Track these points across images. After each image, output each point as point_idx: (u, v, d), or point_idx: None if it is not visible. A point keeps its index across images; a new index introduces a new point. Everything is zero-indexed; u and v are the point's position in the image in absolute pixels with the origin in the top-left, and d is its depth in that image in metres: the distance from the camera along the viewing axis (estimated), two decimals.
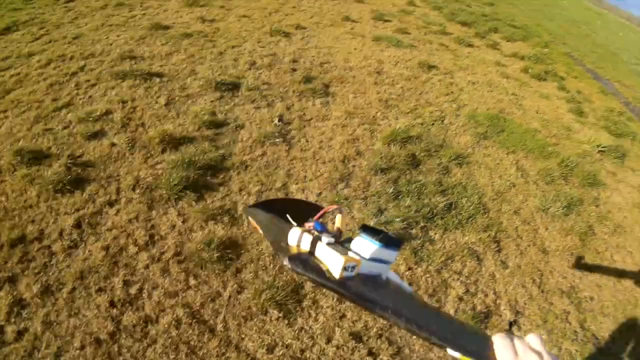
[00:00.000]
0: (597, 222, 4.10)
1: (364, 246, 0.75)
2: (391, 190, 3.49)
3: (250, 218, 0.98)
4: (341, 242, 0.79)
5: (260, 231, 0.91)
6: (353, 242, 0.77)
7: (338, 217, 0.85)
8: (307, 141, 3.92)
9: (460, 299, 2.86)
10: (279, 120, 4.06)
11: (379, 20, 8.32)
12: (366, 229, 0.77)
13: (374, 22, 8.12)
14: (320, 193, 3.29)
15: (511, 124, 5.43)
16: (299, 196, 3.20)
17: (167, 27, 5.99)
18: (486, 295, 2.95)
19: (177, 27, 6.08)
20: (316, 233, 0.78)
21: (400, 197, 3.45)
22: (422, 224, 3.27)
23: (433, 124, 4.80)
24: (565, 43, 12.70)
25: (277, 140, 3.81)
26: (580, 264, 3.55)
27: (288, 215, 0.89)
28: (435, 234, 3.26)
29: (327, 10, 8.24)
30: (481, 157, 4.50)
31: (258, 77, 4.88)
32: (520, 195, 4.09)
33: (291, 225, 0.83)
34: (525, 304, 3.02)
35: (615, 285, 3.46)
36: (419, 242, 3.14)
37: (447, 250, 3.17)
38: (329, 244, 0.75)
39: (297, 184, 3.36)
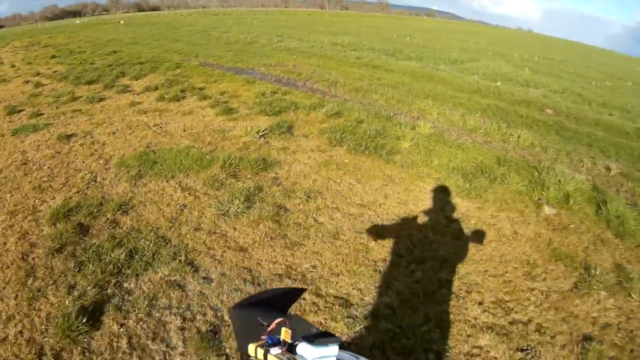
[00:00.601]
0: (285, 198, 4.21)
1: (307, 350, 0.95)
2: (72, 264, 3.38)
3: (232, 322, 1.22)
4: (289, 350, 0.99)
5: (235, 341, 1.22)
6: (298, 348, 0.97)
7: (282, 330, 1.04)
8: None
9: (183, 329, 2.77)
10: None
11: (12, 114, 7.91)
12: (308, 337, 0.97)
13: (10, 118, 7.69)
14: (16, 296, 3.09)
15: (162, 153, 5.30)
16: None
17: None
18: (205, 315, 2.89)
19: None
20: (267, 346, 0.99)
21: (82, 266, 3.36)
22: (113, 281, 3.20)
23: (88, 187, 4.68)
24: (197, 55, 13.24)
25: None
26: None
27: (259, 318, 1.10)
28: (130, 283, 3.20)
29: None
30: (143, 196, 4.41)
31: None
32: (195, 212, 4.05)
33: (261, 329, 1.06)
34: None
35: (334, 242, 3.55)
36: (119, 297, 3.05)
37: (147, 292, 3.10)
38: (277, 355, 0.96)
39: None
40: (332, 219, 3.87)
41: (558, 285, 3.20)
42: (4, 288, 3.25)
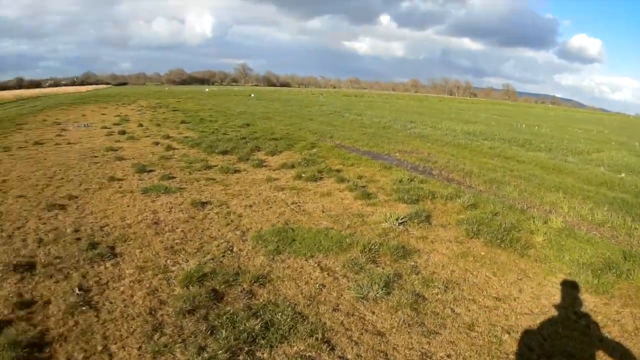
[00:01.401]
0: (424, 287, 4.23)
1: None
2: (204, 327, 3.51)
3: None
4: None
5: None
6: None
7: None
8: (111, 303, 3.91)
9: None
10: (79, 290, 4.14)
11: (142, 172, 8.45)
12: None
13: (139, 176, 8.23)
14: (140, 347, 3.28)
15: (300, 232, 5.36)
16: (121, 354, 3.25)
17: None
18: None
19: None
20: None
21: (215, 331, 3.46)
22: (246, 349, 3.29)
23: (223, 256, 4.82)
24: (332, 136, 13.63)
25: (84, 308, 3.83)
26: None
27: None
28: (263, 353, 3.27)
29: (92, 175, 8.29)
30: (281, 271, 4.50)
31: (49, 253, 4.83)
32: (334, 293, 4.11)
33: None
34: None
35: (469, 333, 3.57)
36: None
37: None
38: None
39: (115, 343, 3.35)
40: (469, 310, 3.92)
41: None
42: (127, 337, 3.45)
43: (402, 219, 5.69)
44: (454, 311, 3.86)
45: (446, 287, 4.25)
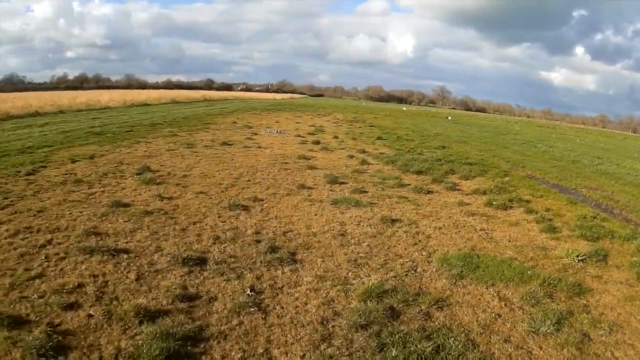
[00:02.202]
0: (591, 327, 4.24)
1: None
2: (375, 344, 3.59)
3: None
4: None
5: None
6: None
7: None
8: (282, 308, 4.06)
9: None
10: (251, 291, 4.26)
11: (334, 183, 8.87)
12: None
13: (330, 186, 8.63)
14: (303, 355, 3.38)
15: (485, 259, 5.60)
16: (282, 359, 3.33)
17: (127, 205, 6.43)
18: None
19: (137, 204, 6.52)
20: None
21: (385, 349, 3.54)
22: None
23: (406, 275, 4.97)
24: (524, 166, 13.71)
25: (252, 309, 3.96)
26: None
27: None
28: None
29: (281, 181, 8.80)
30: (461, 296, 4.62)
31: (224, 251, 5.11)
32: (508, 324, 4.18)
33: None
34: None
35: None
36: None
37: None
38: None
39: (279, 348, 3.46)
40: (626, 355, 3.85)
41: None
42: (292, 343, 3.54)
43: (582, 256, 5.84)
44: (613, 354, 3.85)
45: (611, 329, 4.21)
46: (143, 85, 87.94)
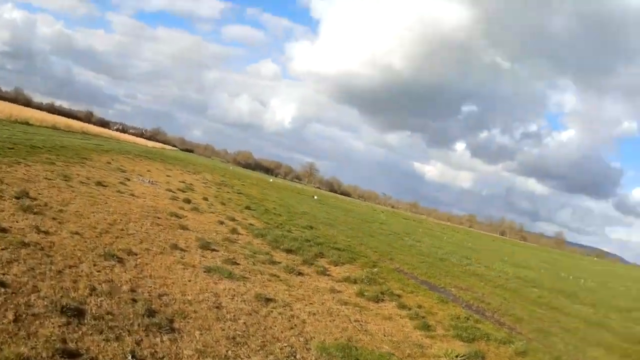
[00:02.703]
0: None
1: None
2: None
3: None
4: None
5: None
6: None
7: None
8: None
9: None
10: (132, 357, 4.05)
11: (206, 249, 8.73)
12: None
13: (202, 252, 8.48)
14: None
15: (364, 352, 5.53)
16: None
17: (5, 230, 6.16)
18: None
19: (15, 232, 6.24)
20: None
21: None
22: None
23: None
24: (392, 258, 14.11)
25: None
26: None
27: None
28: None
29: (154, 236, 8.57)
30: None
31: (101, 305, 4.86)
32: None
33: None
34: None
35: None
36: None
37: None
38: None
39: None
40: None
41: None
42: None
43: (461, 356, 5.92)
44: None
45: None
46: (28, 103, 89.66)
